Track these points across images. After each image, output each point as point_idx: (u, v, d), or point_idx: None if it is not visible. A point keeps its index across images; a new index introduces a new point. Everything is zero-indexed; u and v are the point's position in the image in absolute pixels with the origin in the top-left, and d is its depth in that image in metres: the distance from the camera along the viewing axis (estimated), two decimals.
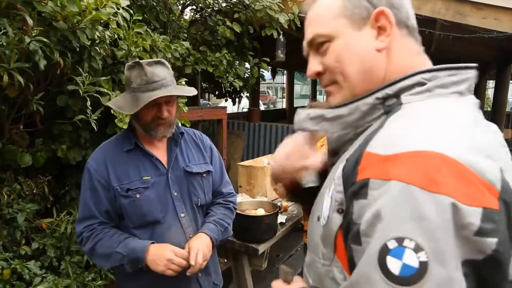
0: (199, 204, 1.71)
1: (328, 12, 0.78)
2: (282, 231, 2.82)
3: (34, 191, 2.49)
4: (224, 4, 4.60)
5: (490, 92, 12.40)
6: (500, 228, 0.53)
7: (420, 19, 4.60)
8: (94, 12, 1.97)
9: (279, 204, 2.75)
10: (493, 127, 0.75)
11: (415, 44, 0.78)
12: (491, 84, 11.50)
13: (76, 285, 2.41)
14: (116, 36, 2.42)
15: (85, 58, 2.30)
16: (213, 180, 1.81)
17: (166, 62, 1.62)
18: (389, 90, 0.71)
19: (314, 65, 0.82)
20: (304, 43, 0.84)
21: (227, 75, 4.32)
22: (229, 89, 5.68)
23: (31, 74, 2.03)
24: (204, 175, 1.74)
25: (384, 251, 0.55)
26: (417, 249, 0.52)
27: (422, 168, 0.55)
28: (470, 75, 0.73)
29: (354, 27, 0.76)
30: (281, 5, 4.40)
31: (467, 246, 0.53)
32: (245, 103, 9.79)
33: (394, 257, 0.54)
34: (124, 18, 2.39)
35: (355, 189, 0.62)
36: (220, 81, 4.37)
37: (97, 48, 2.32)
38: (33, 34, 1.84)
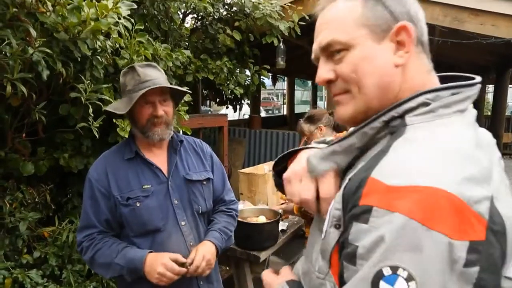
0: (200, 211, 1.72)
1: (348, 18, 0.75)
2: (283, 238, 2.82)
3: (36, 200, 2.50)
4: (224, 13, 4.65)
5: (490, 97, 12.43)
6: (483, 257, 0.57)
7: None
8: (93, 23, 1.99)
9: (280, 211, 2.76)
10: (489, 140, 0.76)
11: (427, 61, 0.78)
12: (490, 88, 11.52)
13: None
14: (117, 46, 2.44)
15: (87, 67, 2.32)
16: (215, 188, 1.82)
17: (158, 66, 1.67)
18: (395, 113, 0.72)
19: (325, 72, 0.79)
20: (316, 47, 0.80)
21: (228, 82, 4.35)
22: (230, 97, 5.71)
23: (34, 84, 2.04)
24: (204, 182, 1.75)
25: (379, 276, 0.58)
26: (409, 278, 0.57)
27: (424, 204, 0.58)
28: (474, 91, 0.74)
29: (374, 38, 0.74)
30: (281, 13, 4.44)
31: (459, 279, 0.57)
32: (246, 110, 9.82)
33: (387, 283, 0.58)
34: (125, 27, 2.41)
35: (356, 212, 0.64)
36: (221, 88, 4.40)
37: (99, 57, 2.34)
38: (36, 45, 1.86)
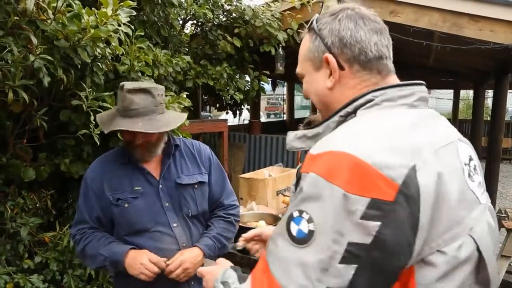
0: (189, 215, 1.74)
1: (301, 53, 0.98)
2: None
3: (37, 205, 2.52)
4: (224, 19, 4.67)
5: (489, 102, 12.45)
6: (388, 216, 0.66)
7: (418, 31, 4.65)
8: (93, 30, 2.02)
9: (280, 216, 2.76)
10: (441, 128, 0.85)
11: (369, 76, 0.90)
12: (490, 93, 11.54)
13: None
14: (117, 52, 2.47)
15: (88, 74, 2.34)
16: (212, 191, 1.82)
17: (153, 90, 1.60)
18: (349, 108, 0.87)
19: (303, 90, 1.03)
20: None
21: (228, 88, 4.37)
22: (229, 102, 5.74)
23: (35, 90, 2.07)
24: (196, 186, 1.76)
25: (290, 218, 0.75)
26: (309, 220, 0.71)
27: (329, 164, 0.72)
28: (417, 89, 0.87)
29: (315, 68, 0.94)
30: (280, 23, 4.48)
31: (356, 229, 0.67)
32: (246, 115, 9.83)
33: (295, 223, 0.74)
34: (125, 33, 2.43)
35: (297, 180, 0.81)
36: (221, 94, 4.42)
37: (99, 63, 2.37)
38: (37, 52, 1.88)
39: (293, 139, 0.97)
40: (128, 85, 1.57)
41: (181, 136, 2.94)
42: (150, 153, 1.67)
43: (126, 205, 1.65)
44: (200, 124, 3.97)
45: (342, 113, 0.87)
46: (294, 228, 0.74)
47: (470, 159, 0.84)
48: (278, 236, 0.77)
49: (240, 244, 1.45)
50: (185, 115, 1.78)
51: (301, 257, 0.71)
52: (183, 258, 1.62)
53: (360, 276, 0.67)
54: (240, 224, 2.52)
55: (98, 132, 2.26)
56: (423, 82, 0.89)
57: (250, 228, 2.56)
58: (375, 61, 0.89)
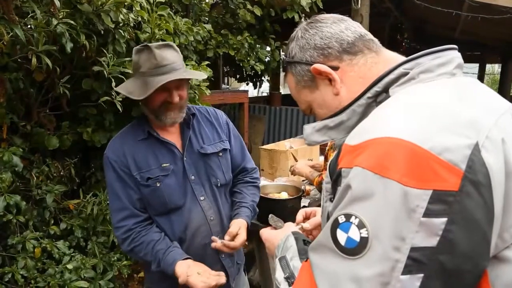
0: (218, 184, 1.68)
1: (293, 93, 0.95)
2: None
3: (61, 173, 2.55)
4: None
5: None
6: (454, 208, 0.55)
7: (447, 0, 4.46)
8: None
9: (302, 187, 2.74)
10: (491, 97, 0.73)
11: (364, 57, 0.83)
12: None
13: (103, 265, 2.48)
14: (139, 19, 2.42)
15: (109, 41, 2.30)
16: (234, 157, 1.77)
17: (175, 46, 1.56)
18: (377, 87, 0.77)
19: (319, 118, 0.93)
20: None
21: (249, 58, 4.30)
22: (250, 73, 5.66)
23: (58, 57, 2.05)
24: (221, 154, 1.70)
25: (336, 224, 0.63)
26: (360, 225, 0.59)
27: (377, 154, 0.60)
28: (454, 55, 0.76)
29: (313, 90, 0.88)
30: None
31: (419, 230, 0.56)
32: (264, 87, 9.75)
33: (342, 230, 0.62)
34: (147, 0, 2.38)
35: (335, 178, 0.72)
36: (241, 64, 4.35)
37: (121, 31, 2.33)
38: (60, 17, 1.85)
39: (311, 132, 0.87)
40: (152, 44, 1.50)
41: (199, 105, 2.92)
42: (181, 114, 1.58)
43: (158, 184, 1.54)
44: (221, 94, 3.93)
45: (369, 93, 0.77)
46: (342, 237, 0.62)
47: None
48: (322, 246, 0.66)
49: (299, 221, 1.28)
50: (202, 73, 1.69)
51: (355, 271, 0.59)
52: (243, 234, 1.61)
53: None
54: (262, 194, 2.52)
55: (120, 99, 2.24)
56: (456, 46, 0.78)
57: (272, 199, 2.57)
58: (359, 41, 0.84)
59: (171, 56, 1.50)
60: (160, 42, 1.52)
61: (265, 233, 1.11)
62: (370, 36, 0.86)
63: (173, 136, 1.63)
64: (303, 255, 0.87)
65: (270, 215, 1.24)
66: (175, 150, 1.61)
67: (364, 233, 0.59)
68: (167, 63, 1.47)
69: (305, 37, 0.87)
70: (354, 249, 0.60)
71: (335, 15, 0.89)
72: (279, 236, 1.00)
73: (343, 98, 0.84)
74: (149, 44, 1.48)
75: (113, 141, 1.62)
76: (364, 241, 0.59)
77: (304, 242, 0.95)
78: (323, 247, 0.66)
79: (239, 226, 1.61)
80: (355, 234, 0.60)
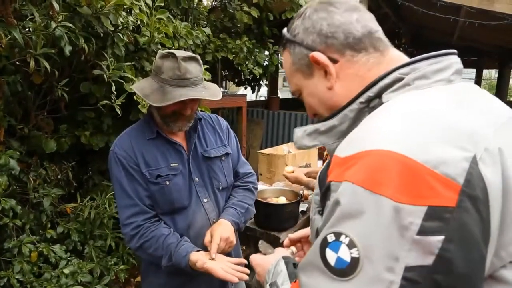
0: (220, 188, 1.71)
1: (287, 73, 0.89)
2: (303, 220, 2.80)
3: (59, 176, 2.54)
4: None
5: None
6: (451, 226, 0.52)
7: (445, 6, 4.47)
8: None
9: (300, 192, 2.73)
10: (491, 105, 0.69)
11: (367, 56, 0.78)
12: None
13: (100, 269, 2.46)
14: (139, 23, 2.41)
15: (108, 45, 2.30)
16: (232, 161, 1.80)
17: (199, 58, 1.56)
18: (371, 92, 0.73)
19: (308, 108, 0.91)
20: None
21: (247, 62, 4.30)
22: (248, 77, 5.66)
23: (57, 60, 2.04)
24: (223, 158, 1.73)
25: (325, 243, 0.60)
26: (350, 245, 0.56)
27: (368, 167, 0.57)
28: (453, 60, 0.72)
29: (306, 76, 0.83)
30: None
31: (413, 248, 0.53)
32: (262, 92, 9.75)
33: (332, 249, 0.59)
34: (146, 4, 2.38)
35: (323, 191, 0.67)
36: (239, 68, 4.35)
37: (120, 34, 2.32)
38: (59, 20, 1.84)
39: (302, 136, 0.83)
40: (179, 53, 1.49)
41: (200, 111, 2.91)
42: (189, 123, 1.60)
43: (167, 183, 1.56)
44: (220, 99, 3.91)
45: (362, 98, 0.74)
46: (331, 257, 0.58)
47: None
48: (311, 266, 0.62)
49: (287, 245, 1.25)
50: (219, 91, 1.69)
51: None
52: (219, 232, 1.57)
53: None
54: (260, 199, 2.51)
55: (119, 103, 2.23)
56: (455, 51, 0.74)
57: (270, 204, 2.56)
58: (366, 38, 0.78)
59: (195, 69, 1.51)
60: (186, 53, 1.51)
61: (256, 258, 1.08)
62: (379, 34, 0.80)
63: (179, 138, 1.66)
64: (294, 279, 0.85)
65: (260, 241, 1.24)
66: (182, 151, 1.63)
67: (355, 253, 0.56)
68: (190, 76, 1.48)
69: (312, 19, 0.80)
70: (345, 270, 0.57)
71: (350, 1, 0.82)
72: (269, 261, 0.98)
73: (336, 93, 0.79)
74: (176, 54, 1.47)
75: (121, 138, 1.62)
76: (355, 262, 0.56)
77: (294, 265, 0.94)
78: (312, 266, 0.62)
79: (209, 233, 1.58)
80: (345, 254, 0.57)
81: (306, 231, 1.20)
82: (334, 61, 0.78)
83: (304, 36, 0.81)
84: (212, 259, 1.48)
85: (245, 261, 1.48)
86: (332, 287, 0.58)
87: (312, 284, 0.62)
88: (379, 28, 0.81)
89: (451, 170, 0.53)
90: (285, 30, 0.87)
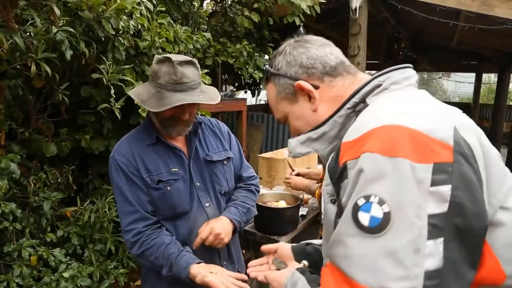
0: (222, 192, 1.71)
1: (272, 103, 1.01)
2: (303, 224, 2.80)
3: (59, 180, 2.54)
4: None
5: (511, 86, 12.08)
6: (454, 176, 0.64)
7: (445, 11, 4.48)
8: (119, 1, 1.98)
9: (300, 196, 2.74)
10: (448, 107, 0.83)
11: (343, 80, 0.92)
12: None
13: (99, 273, 2.46)
14: (139, 27, 2.42)
15: (109, 49, 2.31)
16: (234, 165, 1.80)
17: (196, 62, 1.55)
18: (356, 99, 0.87)
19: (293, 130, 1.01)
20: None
21: (247, 66, 4.31)
22: (248, 81, 5.67)
23: (57, 64, 2.05)
24: (225, 162, 1.73)
25: (356, 208, 0.68)
26: (381, 202, 0.65)
27: (381, 138, 0.68)
28: (412, 72, 0.89)
29: (292, 102, 0.95)
30: None
31: (431, 198, 0.63)
32: (262, 96, 9.77)
33: (364, 211, 0.66)
34: (147, 8, 2.39)
35: (338, 174, 0.76)
36: (240, 72, 4.36)
37: (121, 38, 2.33)
38: (60, 24, 1.85)
39: (296, 145, 0.95)
40: (175, 57, 1.48)
41: (200, 114, 2.92)
42: (187, 128, 1.59)
43: (168, 188, 1.55)
44: (220, 103, 3.91)
45: (349, 104, 0.87)
46: (364, 218, 0.66)
47: None
48: (345, 237, 0.69)
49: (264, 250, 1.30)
50: (217, 94, 1.66)
51: (386, 245, 0.63)
52: (212, 226, 1.56)
53: (450, 250, 0.62)
54: (260, 203, 2.51)
55: (119, 107, 2.24)
56: (411, 65, 0.91)
57: (270, 208, 2.56)
58: (340, 66, 0.93)
59: (191, 74, 1.50)
60: (182, 57, 1.50)
61: (271, 274, 1.09)
62: (348, 62, 0.96)
63: (179, 143, 1.65)
64: (313, 282, 0.89)
65: (274, 257, 1.26)
66: (183, 156, 1.62)
67: (386, 208, 0.64)
68: (186, 81, 1.47)
69: (293, 54, 0.94)
70: (379, 226, 0.64)
71: (321, 38, 0.98)
72: (285, 275, 1.01)
73: (320, 114, 0.92)
74: (172, 58, 1.46)
75: (120, 144, 1.61)
76: (387, 216, 0.64)
77: (311, 272, 0.97)
78: (346, 237, 0.69)
79: (205, 225, 1.59)
80: (377, 211, 0.65)
81: (275, 245, 1.28)
82: (316, 87, 0.91)
83: (287, 68, 0.94)
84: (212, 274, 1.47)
85: (245, 277, 1.48)
86: (372, 245, 0.65)
87: (351, 252, 0.68)
88: (347, 59, 0.97)
89: (443, 135, 0.67)
90: (267, 66, 1.00)
